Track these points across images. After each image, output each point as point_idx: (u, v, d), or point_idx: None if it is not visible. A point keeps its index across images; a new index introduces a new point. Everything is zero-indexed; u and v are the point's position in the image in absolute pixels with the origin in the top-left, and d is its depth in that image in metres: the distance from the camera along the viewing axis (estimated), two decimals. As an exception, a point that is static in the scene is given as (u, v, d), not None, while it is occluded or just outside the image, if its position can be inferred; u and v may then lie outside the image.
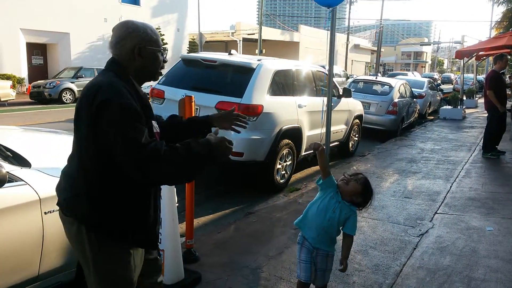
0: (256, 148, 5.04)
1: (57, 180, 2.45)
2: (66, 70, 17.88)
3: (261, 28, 28.50)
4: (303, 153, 5.98)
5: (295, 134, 5.62)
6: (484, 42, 16.11)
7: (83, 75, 17.00)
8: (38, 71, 20.09)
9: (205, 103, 4.95)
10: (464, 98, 16.26)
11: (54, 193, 2.36)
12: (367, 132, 9.27)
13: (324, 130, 5.77)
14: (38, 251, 2.30)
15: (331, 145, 5.65)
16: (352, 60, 43.65)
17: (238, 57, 5.83)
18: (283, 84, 5.72)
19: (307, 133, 5.90)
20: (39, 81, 16.70)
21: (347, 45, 37.81)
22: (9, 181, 2.14)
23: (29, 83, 17.48)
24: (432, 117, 14.82)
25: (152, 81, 1.89)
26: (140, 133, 1.51)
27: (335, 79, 11.98)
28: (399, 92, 10.48)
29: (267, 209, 4.57)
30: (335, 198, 2.35)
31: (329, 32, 5.28)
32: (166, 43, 23.52)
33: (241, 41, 29.98)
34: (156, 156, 1.49)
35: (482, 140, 8.11)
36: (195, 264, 3.17)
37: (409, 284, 3.01)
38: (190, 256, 3.21)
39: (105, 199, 1.60)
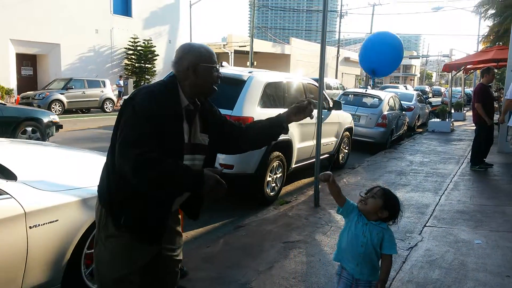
0: (247, 161, 5.03)
1: (43, 193, 2.43)
2: (56, 81, 17.77)
3: (252, 40, 28.72)
4: (293, 166, 5.98)
5: (285, 146, 5.62)
6: (472, 55, 16.43)
7: (73, 86, 16.91)
8: (27, 82, 19.93)
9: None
10: (453, 111, 16.48)
11: (40, 206, 2.34)
12: (357, 145, 9.32)
13: (314, 142, 5.78)
14: (22, 266, 2.25)
15: (321, 157, 5.67)
16: (342, 73, 44.08)
17: (229, 69, 5.85)
18: (274, 96, 5.74)
19: (297, 145, 5.91)
20: (28, 92, 16.56)
21: (338, 58, 38.21)
22: (-7, 195, 2.10)
23: (18, 94, 17.32)
24: (421, 130, 14.96)
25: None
26: (142, 133, 1.65)
27: (331, 92, 12.09)
28: (388, 105, 10.59)
29: (257, 222, 4.54)
30: (360, 221, 2.19)
31: (320, 45, 5.33)
32: (157, 55, 23.59)
33: (232, 53, 30.15)
34: (143, 159, 1.62)
35: (470, 153, 8.19)
36: (183, 279, 3.12)
37: (398, 298, 2.99)
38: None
39: (115, 190, 1.80)
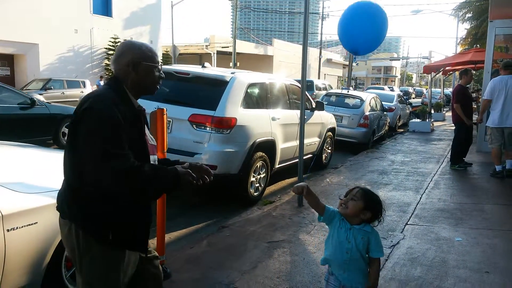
0: (230, 161, 5.01)
1: (21, 195, 2.37)
2: (35, 82, 17.39)
3: (235, 41, 28.69)
4: (276, 166, 5.99)
5: (269, 146, 5.63)
6: (450, 57, 16.79)
7: (52, 87, 16.57)
8: (4, 82, 19.28)
9: (178, 115, 4.91)
10: (432, 111, 16.79)
11: (18, 209, 2.28)
12: (339, 145, 9.40)
13: (298, 142, 5.81)
14: (-1, 270, 2.19)
15: (304, 157, 5.69)
16: (324, 74, 44.43)
17: (211, 70, 5.82)
18: (257, 97, 5.75)
19: (280, 145, 5.92)
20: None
21: (320, 59, 38.52)
22: (-32, 197, 2.04)
23: (-5, 94, 16.86)
24: (402, 130, 15.19)
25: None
26: (113, 143, 1.60)
27: (320, 92, 12.21)
28: (370, 105, 10.72)
29: (241, 222, 4.53)
30: (343, 226, 2.08)
31: (302, 46, 5.35)
32: (139, 55, 23.28)
33: (215, 54, 30.06)
34: (121, 170, 1.58)
35: (450, 152, 8.35)
36: (166, 281, 3.08)
37: (381, 296, 3.02)
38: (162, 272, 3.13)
39: (88, 199, 1.70)
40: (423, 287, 3.16)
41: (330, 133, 7.96)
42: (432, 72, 16.03)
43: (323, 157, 7.85)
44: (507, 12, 10.26)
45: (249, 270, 3.34)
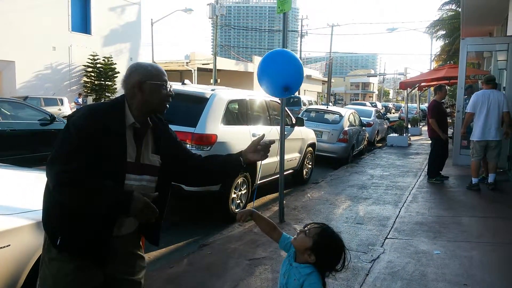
0: (210, 178, 4.97)
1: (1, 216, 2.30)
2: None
3: (215, 58, 28.87)
4: (258, 182, 5.98)
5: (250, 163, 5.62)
6: (425, 73, 17.25)
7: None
8: (-21, 100, 18.97)
9: (157, 133, 4.87)
10: (409, 126, 17.16)
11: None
12: (320, 160, 9.48)
13: (278, 158, 5.83)
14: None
15: (285, 173, 5.71)
16: (304, 90, 44.98)
17: (191, 86, 5.83)
18: (237, 113, 5.77)
19: (261, 161, 5.92)
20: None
21: (299, 75, 38.96)
22: None
23: (-32, 112, 16.42)
24: (380, 144, 15.45)
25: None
26: (71, 152, 1.63)
27: (305, 108, 12.37)
28: (348, 120, 10.89)
29: (222, 240, 4.48)
30: (288, 260, 1.81)
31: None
32: (118, 72, 23.19)
33: (196, 71, 30.14)
34: (64, 182, 1.62)
35: (427, 166, 8.52)
36: (145, 301, 3.01)
37: (363, 311, 3.02)
38: (141, 293, 3.05)
39: (50, 209, 1.77)
40: (403, 301, 3.18)
41: (310, 148, 8.02)
42: (408, 88, 16.42)
43: (304, 172, 7.90)
44: (478, 30, 10.68)
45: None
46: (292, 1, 5.09)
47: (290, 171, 7.26)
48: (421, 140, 16.74)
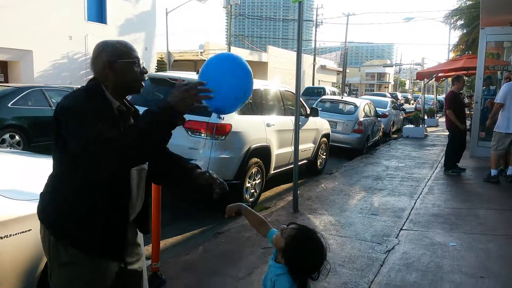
0: (225, 167, 5.01)
1: (13, 202, 2.36)
2: None
3: (229, 48, 28.80)
4: (272, 172, 5.99)
5: (264, 152, 5.64)
6: (443, 64, 16.95)
7: (46, 94, 16.51)
8: (-2, 89, 19.34)
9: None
10: (426, 117, 16.91)
11: (12, 216, 2.27)
12: (334, 150, 9.43)
13: (292, 148, 5.82)
14: (-7, 278, 2.17)
15: (299, 163, 5.70)
16: (319, 80, 44.65)
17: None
18: (252, 103, 5.76)
19: (275, 151, 5.93)
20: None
21: (314, 66, 38.72)
22: (-38, 204, 2.02)
23: (-12, 101, 16.76)
24: (396, 136, 15.28)
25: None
26: (94, 125, 1.48)
27: (325, 97, 12.40)
28: (364, 111, 10.79)
29: (236, 228, 4.52)
30: (271, 256, 1.73)
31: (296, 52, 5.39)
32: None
33: (210, 61, 30.05)
34: (112, 137, 1.46)
35: (443, 158, 8.40)
36: (161, 287, 3.07)
37: (377, 301, 3.02)
38: (156, 279, 3.11)
39: (65, 204, 1.64)
40: (418, 292, 3.17)
41: (324, 139, 7.99)
42: (425, 79, 16.15)
43: (318, 163, 7.87)
44: (498, 19, 10.40)
45: (244, 276, 3.33)
46: (308, -11, 5.03)
47: (304, 161, 7.25)
48: (438, 131, 16.50)
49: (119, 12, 23.83)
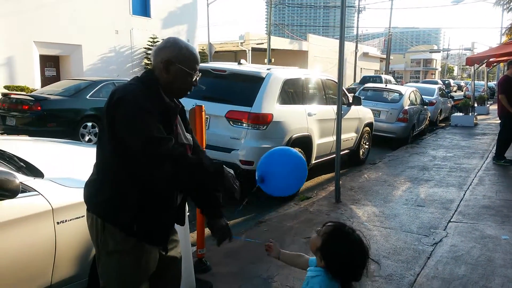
0: (267, 157, 5.02)
1: (69, 190, 2.49)
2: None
3: (269, 37, 28.65)
4: (313, 162, 5.95)
5: (305, 142, 5.60)
6: (495, 48, 15.98)
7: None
8: (51, 82, 20.23)
9: (215, 112, 4.97)
10: (476, 105, 16.10)
11: (67, 203, 2.40)
12: (377, 140, 9.21)
13: (334, 138, 5.74)
14: (51, 261, 2.31)
15: (341, 153, 5.62)
16: (361, 68, 43.59)
17: (247, 66, 5.85)
18: (293, 92, 5.72)
19: (317, 141, 5.87)
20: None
21: (356, 53, 37.79)
22: (22, 191, 2.16)
23: (42, 94, 17.72)
24: (443, 124, 14.68)
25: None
26: (152, 128, 1.57)
27: (368, 86, 12.22)
28: (409, 99, 10.43)
29: (278, 218, 4.54)
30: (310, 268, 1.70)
31: (338, 40, 5.28)
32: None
33: (250, 51, 30.14)
34: (168, 155, 1.56)
35: (494, 147, 7.99)
36: (206, 273, 3.15)
37: (423, 294, 2.95)
38: (201, 265, 3.20)
39: (117, 193, 1.69)
40: (468, 286, 3.06)
41: (367, 128, 7.81)
42: (475, 64, 15.32)
43: (361, 153, 7.72)
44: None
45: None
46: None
47: (346, 151, 7.13)
48: (489, 119, 15.68)
49: (162, 5, 24.33)
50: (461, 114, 14.24)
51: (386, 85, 11.64)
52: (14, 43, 17.70)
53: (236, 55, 30.87)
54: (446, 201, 5.19)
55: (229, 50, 31.75)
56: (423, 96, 12.08)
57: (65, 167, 2.95)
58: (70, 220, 2.39)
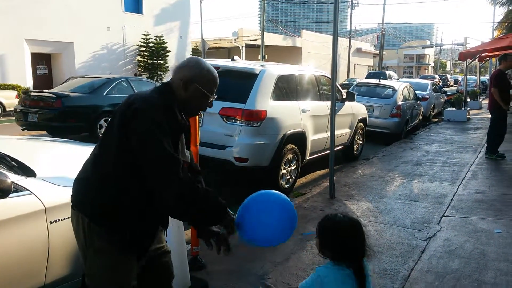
0: (261, 153, 5.02)
1: (62, 189, 2.47)
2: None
3: (263, 34, 28.60)
4: (307, 158, 5.96)
5: (299, 138, 5.60)
6: (487, 43, 16.06)
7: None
8: (43, 80, 20.21)
9: (208, 109, 4.94)
10: (468, 99, 16.20)
11: (60, 202, 2.38)
12: (371, 136, 9.24)
13: (328, 134, 5.75)
14: (44, 260, 2.29)
15: (335, 149, 5.63)
16: (354, 64, 43.66)
17: (241, 63, 5.83)
18: (287, 89, 5.72)
19: (311, 137, 5.88)
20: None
21: (349, 49, 37.85)
22: (14, 191, 2.14)
23: (34, 93, 17.57)
24: (436, 119, 14.76)
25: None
26: (165, 145, 1.59)
27: (361, 81, 12.23)
28: (402, 94, 10.46)
29: (273, 214, 4.53)
30: None
31: (332, 36, 5.28)
32: (169, 51, 23.66)
33: (243, 47, 30.08)
34: (185, 183, 1.60)
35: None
36: (201, 271, 3.15)
37: (418, 289, 2.97)
38: (196, 263, 3.19)
39: (115, 203, 1.68)
40: (461, 280, 3.08)
41: (361, 124, 7.83)
42: (468, 59, 15.40)
43: (355, 148, 7.75)
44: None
45: (282, 261, 3.36)
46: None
47: (340, 147, 7.15)
48: (481, 114, 15.79)
49: (155, 1, 24.20)
50: (454, 109, 14.32)
51: (379, 81, 11.67)
52: (5, 41, 17.52)
53: (229, 52, 30.79)
54: (440, 196, 5.23)
55: (223, 47, 31.65)
56: (416, 92, 12.13)
57: (58, 166, 2.92)
58: (63, 219, 2.37)
